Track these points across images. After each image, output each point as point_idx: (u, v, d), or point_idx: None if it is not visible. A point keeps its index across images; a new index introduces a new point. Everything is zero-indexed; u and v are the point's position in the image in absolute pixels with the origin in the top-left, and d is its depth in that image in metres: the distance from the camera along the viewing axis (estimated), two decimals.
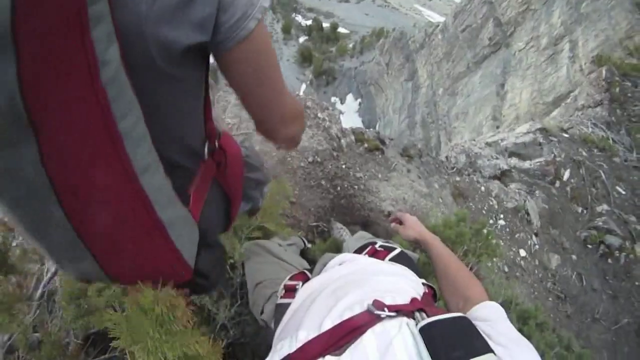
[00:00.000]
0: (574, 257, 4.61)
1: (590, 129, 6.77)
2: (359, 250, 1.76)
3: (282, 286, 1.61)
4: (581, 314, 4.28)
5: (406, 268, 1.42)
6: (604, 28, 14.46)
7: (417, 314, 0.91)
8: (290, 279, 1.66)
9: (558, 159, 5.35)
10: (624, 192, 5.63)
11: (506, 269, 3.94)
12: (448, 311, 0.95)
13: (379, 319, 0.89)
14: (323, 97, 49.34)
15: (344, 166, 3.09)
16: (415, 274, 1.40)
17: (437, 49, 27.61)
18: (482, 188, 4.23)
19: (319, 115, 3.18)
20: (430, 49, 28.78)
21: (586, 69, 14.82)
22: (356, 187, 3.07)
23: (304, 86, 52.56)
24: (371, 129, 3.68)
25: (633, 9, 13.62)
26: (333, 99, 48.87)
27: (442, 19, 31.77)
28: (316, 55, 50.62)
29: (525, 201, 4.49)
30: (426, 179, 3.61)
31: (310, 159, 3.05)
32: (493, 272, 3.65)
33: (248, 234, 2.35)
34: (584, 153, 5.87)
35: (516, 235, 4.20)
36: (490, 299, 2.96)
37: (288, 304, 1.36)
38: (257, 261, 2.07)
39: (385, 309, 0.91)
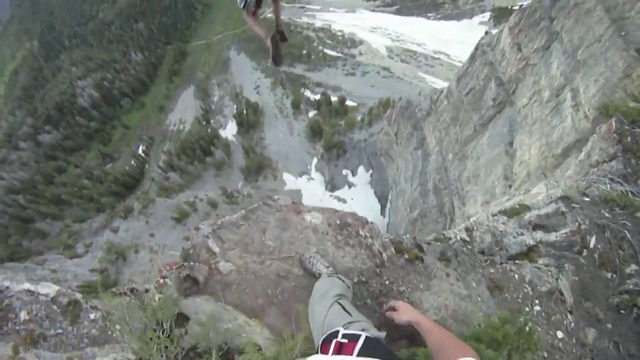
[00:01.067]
0: (609, 326, 4.61)
1: (608, 186, 6.84)
2: (324, 347, 1.81)
3: None
4: None
5: None
6: (602, 71, 14.78)
7: None
8: None
9: (583, 226, 5.41)
10: None
11: (545, 355, 3.98)
12: None
13: None
14: (334, 170, 50.40)
15: (387, 282, 3.26)
16: None
17: (444, 114, 28.20)
18: (516, 276, 4.33)
19: (361, 232, 3.36)
20: (437, 115, 29.41)
21: (590, 115, 15.09)
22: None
23: (315, 160, 53.55)
24: (407, 236, 3.83)
25: (627, 46, 13.88)
26: (345, 171, 49.84)
27: (446, 84, 32.58)
28: (326, 129, 52.30)
29: (557, 280, 4.57)
30: (464, 279, 3.75)
31: (355, 280, 3.22)
32: None
33: None
34: (607, 214, 5.92)
35: (552, 318, 4.26)
36: None
37: None
38: None
39: None
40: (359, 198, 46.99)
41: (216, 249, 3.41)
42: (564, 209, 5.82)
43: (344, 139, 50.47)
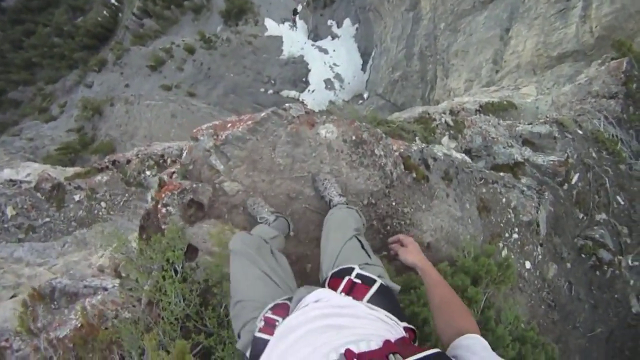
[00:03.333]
0: (568, 265, 4.85)
1: (602, 124, 6.85)
2: (334, 281, 1.68)
3: (261, 317, 1.62)
4: (565, 321, 4.59)
5: (384, 312, 1.41)
6: None
7: (391, 357, 0.93)
8: (272, 310, 1.65)
9: (571, 160, 5.44)
10: (622, 203, 5.84)
11: None
12: (426, 347, 0.97)
13: None
14: (319, 20, 48.41)
15: (394, 203, 3.10)
16: (394, 314, 1.41)
17: None
18: (503, 200, 4.34)
19: (376, 152, 3.10)
20: None
21: (596, 32, 14.70)
22: (403, 222, 3.12)
23: (300, 7, 50.43)
24: (415, 149, 3.63)
25: None
26: (330, 22, 47.85)
27: None
28: None
29: (538, 211, 4.66)
30: (460, 200, 3.69)
31: (365, 202, 3.04)
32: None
33: None
34: (594, 154, 5.99)
35: (525, 248, 4.39)
36: (500, 318, 3.10)
37: (266, 340, 1.41)
38: (241, 272, 2.03)
39: (355, 359, 0.92)
40: (341, 50, 45.66)
41: (220, 167, 3.06)
42: (556, 134, 5.79)
43: None
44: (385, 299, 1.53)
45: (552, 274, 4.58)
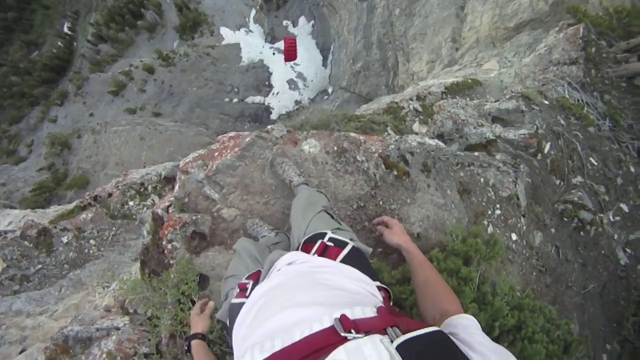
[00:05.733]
0: (552, 230, 5.04)
1: (566, 90, 7.09)
2: (307, 246, 1.69)
3: (237, 285, 1.67)
4: (557, 283, 4.77)
5: (357, 271, 1.41)
6: None
7: (389, 330, 0.90)
8: (246, 278, 1.70)
9: (540, 130, 5.59)
10: (596, 163, 6.07)
11: None
12: (422, 322, 0.98)
13: (346, 340, 0.86)
14: (274, 22, 48.31)
15: (381, 202, 3.29)
16: (367, 275, 1.41)
17: None
18: (482, 179, 4.52)
19: (358, 157, 3.29)
20: None
21: None
22: None
23: (253, 12, 50.37)
24: (392, 147, 3.82)
25: None
26: (285, 22, 47.80)
27: None
28: None
29: (516, 185, 4.88)
30: (441, 187, 3.88)
31: (355, 206, 3.21)
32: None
33: None
34: (562, 122, 6.19)
35: (509, 221, 4.58)
36: (495, 292, 3.29)
37: (240, 304, 1.42)
38: (237, 257, 2.13)
39: (353, 330, 0.88)
40: (300, 49, 45.56)
41: (215, 196, 3.19)
42: (524, 108, 5.96)
43: None
44: (357, 261, 1.55)
45: (538, 241, 4.74)
